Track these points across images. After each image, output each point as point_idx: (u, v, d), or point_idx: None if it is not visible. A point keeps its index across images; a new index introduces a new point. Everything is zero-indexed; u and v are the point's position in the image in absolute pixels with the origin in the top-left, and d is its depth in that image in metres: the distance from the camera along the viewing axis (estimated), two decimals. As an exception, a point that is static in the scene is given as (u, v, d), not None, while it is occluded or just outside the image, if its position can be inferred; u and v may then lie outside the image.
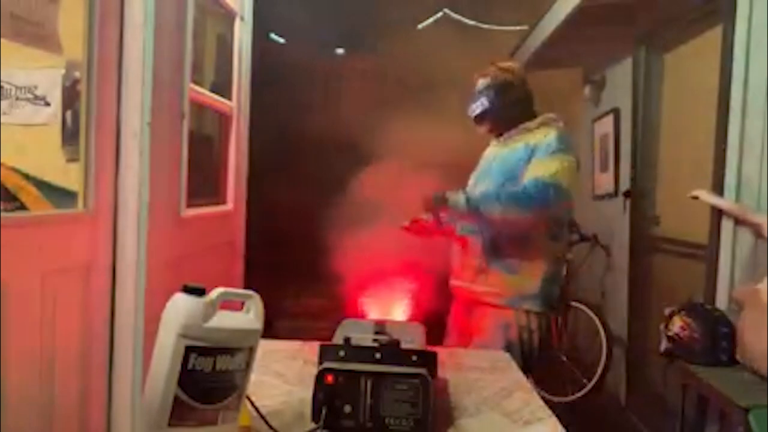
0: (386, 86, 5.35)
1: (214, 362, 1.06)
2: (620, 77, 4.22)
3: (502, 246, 2.27)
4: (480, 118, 2.47)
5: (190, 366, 1.04)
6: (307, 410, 1.22)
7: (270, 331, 1.34)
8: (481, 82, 2.48)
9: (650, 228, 3.84)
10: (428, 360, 1.31)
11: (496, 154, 2.47)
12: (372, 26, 5.12)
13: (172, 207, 2.58)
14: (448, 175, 2.57)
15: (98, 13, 2.12)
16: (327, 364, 1.24)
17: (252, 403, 1.23)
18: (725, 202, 2.60)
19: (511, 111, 2.43)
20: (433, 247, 2.87)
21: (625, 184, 4.10)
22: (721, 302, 2.58)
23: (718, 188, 2.66)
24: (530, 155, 2.26)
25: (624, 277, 4.04)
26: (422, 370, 1.23)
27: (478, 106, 2.45)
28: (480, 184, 2.44)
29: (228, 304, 1.12)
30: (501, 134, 2.47)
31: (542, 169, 2.19)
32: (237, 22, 3.44)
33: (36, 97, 2.60)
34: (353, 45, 5.74)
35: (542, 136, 2.29)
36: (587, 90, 4.75)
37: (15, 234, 1.75)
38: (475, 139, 2.85)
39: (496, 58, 2.62)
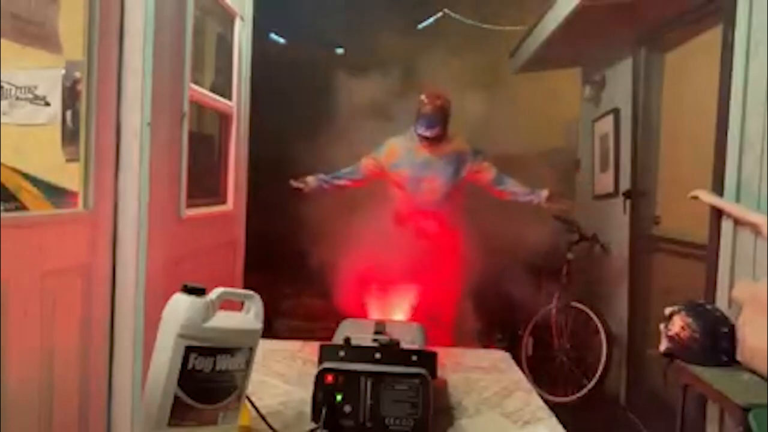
0: (385, 85, 5.34)
1: (214, 362, 1.06)
2: (620, 77, 4.21)
3: None
4: (435, 139, 3.40)
5: (190, 366, 1.04)
6: (307, 410, 1.22)
7: (270, 331, 1.34)
8: (435, 108, 3.33)
9: (650, 228, 3.84)
10: (428, 360, 1.31)
11: (429, 157, 3.44)
12: (372, 26, 5.12)
13: (172, 207, 2.57)
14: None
15: (98, 13, 2.12)
16: (327, 364, 1.24)
17: (252, 403, 1.23)
18: (725, 202, 2.60)
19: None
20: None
21: (625, 184, 4.09)
22: (721, 302, 2.57)
23: (718, 188, 2.65)
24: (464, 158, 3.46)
25: (624, 277, 4.04)
26: (422, 370, 1.23)
27: (437, 130, 3.39)
28: (426, 170, 3.43)
29: (228, 304, 1.12)
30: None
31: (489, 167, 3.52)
32: (237, 22, 3.44)
33: (36, 97, 2.60)
34: (353, 44, 5.73)
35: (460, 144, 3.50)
36: (587, 90, 4.74)
37: (15, 234, 1.75)
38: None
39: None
